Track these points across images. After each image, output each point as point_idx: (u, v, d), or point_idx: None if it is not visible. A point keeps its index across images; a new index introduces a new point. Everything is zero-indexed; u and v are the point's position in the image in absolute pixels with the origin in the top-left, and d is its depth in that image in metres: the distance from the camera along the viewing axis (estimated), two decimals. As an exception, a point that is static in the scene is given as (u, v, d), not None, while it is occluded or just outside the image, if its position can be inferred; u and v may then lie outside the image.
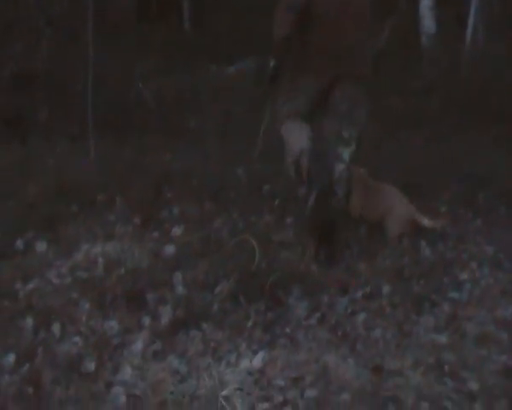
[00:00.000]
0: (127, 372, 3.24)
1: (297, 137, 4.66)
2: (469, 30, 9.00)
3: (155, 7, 11.40)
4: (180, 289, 3.82)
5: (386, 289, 4.15)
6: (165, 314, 3.63)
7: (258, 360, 3.37)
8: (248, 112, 7.14)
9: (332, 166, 4.61)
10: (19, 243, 4.31)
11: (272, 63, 4.55)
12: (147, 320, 3.58)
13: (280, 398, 3.12)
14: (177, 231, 4.53)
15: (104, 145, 5.60)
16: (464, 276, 4.39)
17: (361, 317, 3.87)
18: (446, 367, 3.36)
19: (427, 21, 9.28)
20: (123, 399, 3.07)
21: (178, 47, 9.39)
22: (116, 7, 10.57)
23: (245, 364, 3.34)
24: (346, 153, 4.65)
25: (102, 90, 6.09)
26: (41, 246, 4.18)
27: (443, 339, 3.63)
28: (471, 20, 9.02)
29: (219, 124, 6.62)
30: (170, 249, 4.22)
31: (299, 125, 4.66)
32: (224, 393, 3.09)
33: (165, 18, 10.70)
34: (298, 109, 4.64)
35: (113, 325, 3.49)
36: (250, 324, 3.68)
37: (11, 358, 3.25)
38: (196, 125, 6.61)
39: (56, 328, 3.43)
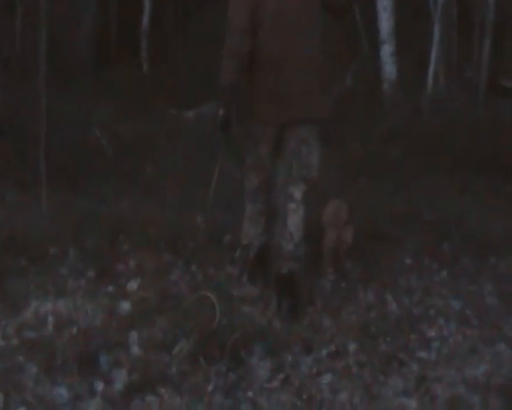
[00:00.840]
0: (77, 445, 3.00)
1: (251, 228, 4.71)
2: (430, 75, 9.00)
3: (114, 49, 11.23)
4: (136, 350, 3.59)
5: (352, 347, 3.99)
6: (120, 378, 3.39)
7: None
8: (207, 158, 6.98)
9: (284, 206, 4.58)
10: (-40, 301, 4.05)
11: (221, 111, 4.48)
12: (99, 385, 3.34)
13: None
14: (132, 285, 4.30)
15: (58, 194, 5.36)
16: (432, 333, 4.26)
17: (326, 378, 3.69)
18: (417, 435, 3.20)
19: (389, 67, 9.27)
20: None
21: (137, 90, 9.22)
22: (74, 51, 10.41)
23: (205, 433, 3.14)
24: (298, 193, 4.57)
25: (57, 137, 5.88)
26: (-15, 305, 3.93)
27: (412, 403, 3.47)
28: (432, 66, 9.03)
29: (177, 170, 6.45)
30: (125, 306, 3.99)
31: (256, 210, 4.69)
32: None
33: (124, 61, 10.56)
34: (260, 163, 4.61)
35: (62, 392, 3.24)
36: (210, 388, 3.47)
37: None
38: (153, 171, 6.42)
39: (-1, 397, 3.18)
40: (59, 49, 9.53)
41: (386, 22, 9.26)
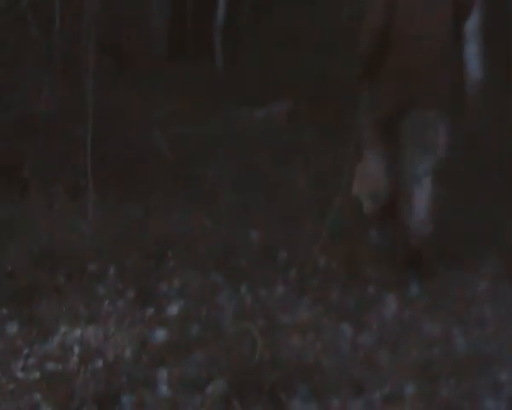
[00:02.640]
0: None
1: (379, 171, 4.88)
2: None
3: (189, 45, 10.97)
4: (163, 390, 3.27)
5: (409, 389, 3.56)
6: (142, 422, 3.10)
7: None
8: (272, 165, 6.62)
9: (413, 196, 4.75)
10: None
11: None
12: (119, 430, 3.05)
13: None
14: (173, 309, 3.99)
15: (107, 201, 5.11)
16: (504, 376, 3.76)
17: (378, 426, 3.30)
18: None
19: (473, 66, 8.66)
20: None
21: (208, 88, 8.92)
22: (147, 46, 10.22)
23: None
24: (427, 180, 4.75)
25: (113, 139, 5.65)
26: (12, 327, 3.67)
27: None
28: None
29: (239, 177, 6.09)
30: (160, 335, 3.67)
31: (377, 157, 4.87)
32: None
33: (199, 57, 10.29)
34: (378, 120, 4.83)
35: (76, 438, 2.96)
36: (244, 435, 3.13)
37: None
38: (213, 178, 6.08)
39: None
40: (130, 45, 9.39)
41: (470, 19, 8.62)
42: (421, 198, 4.76)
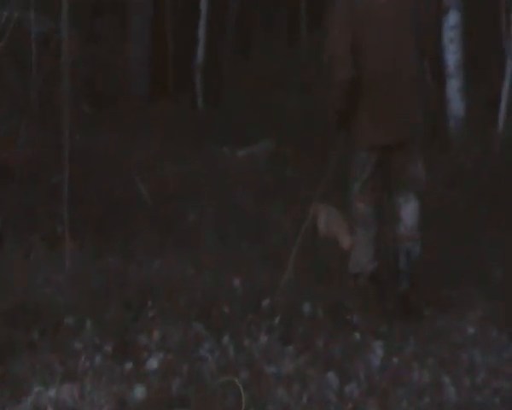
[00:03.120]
0: None
1: (363, 252, 4.94)
2: (502, 113, 8.32)
3: (171, 84, 10.89)
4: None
5: (399, 443, 3.43)
6: None
7: None
8: (255, 205, 6.51)
9: (400, 209, 4.91)
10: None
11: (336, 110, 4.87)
12: None
13: None
14: (153, 363, 3.84)
15: (84, 251, 4.96)
16: (496, 429, 3.64)
17: None
18: None
19: (456, 103, 8.62)
20: None
21: (189, 128, 8.82)
22: (126, 84, 10.13)
23: None
24: (408, 204, 4.91)
25: (90, 182, 5.52)
26: (-18, 389, 3.50)
27: None
28: (504, 102, 8.35)
29: (220, 218, 5.97)
30: (139, 393, 3.52)
31: (367, 236, 4.93)
32: None
33: (180, 96, 10.20)
34: (367, 189, 4.89)
35: None
36: None
37: None
38: (195, 220, 5.95)
39: None
40: (110, 86, 9.30)
41: (453, 55, 8.64)
42: (408, 209, 4.91)
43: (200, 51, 10.24)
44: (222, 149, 8.36)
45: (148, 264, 5.00)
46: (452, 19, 8.72)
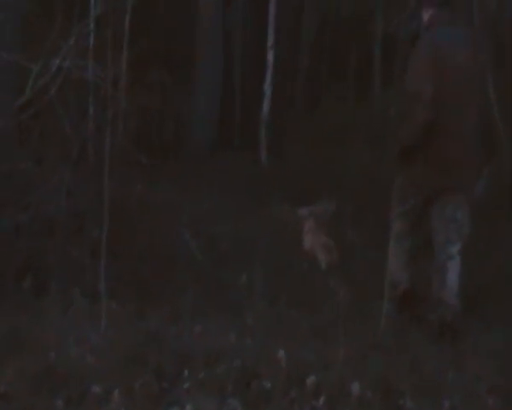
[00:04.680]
0: None
1: (399, 267, 5.16)
2: None
3: (237, 135, 10.74)
4: None
5: None
6: None
7: None
8: (312, 271, 6.18)
9: (444, 264, 5.03)
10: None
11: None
12: None
13: None
14: (183, 440, 3.55)
15: (125, 310, 4.73)
16: None
17: None
18: None
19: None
20: None
21: (250, 183, 8.59)
22: (191, 136, 10.04)
23: None
24: (456, 250, 5.02)
25: (137, 237, 5.30)
26: None
27: None
28: None
29: (272, 284, 5.66)
30: None
31: (403, 252, 5.15)
32: None
33: (245, 150, 10.03)
34: (407, 213, 5.08)
35: None
36: None
37: None
38: (246, 284, 5.64)
39: None
40: (171, 136, 9.21)
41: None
42: (454, 273, 5.02)
43: (266, 105, 10.05)
44: (282, 206, 8.08)
45: (189, 328, 4.73)
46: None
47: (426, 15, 5.08)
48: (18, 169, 5.38)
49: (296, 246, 6.79)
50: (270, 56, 10.00)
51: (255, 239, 6.76)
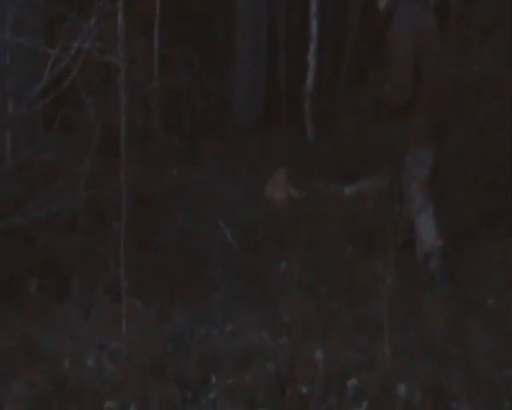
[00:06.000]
0: None
1: (428, 233, 5.25)
2: None
3: (283, 110, 10.26)
4: None
5: None
6: None
7: None
8: (357, 258, 5.69)
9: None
10: None
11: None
12: None
13: None
14: None
15: (149, 309, 4.38)
16: None
17: None
18: None
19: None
20: None
21: (293, 160, 8.12)
22: (231, 113, 9.64)
23: None
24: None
25: (165, 228, 4.93)
26: None
27: None
28: None
29: (315, 273, 5.23)
30: None
31: (430, 218, 5.26)
32: None
33: (290, 124, 9.58)
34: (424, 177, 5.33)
35: None
36: None
37: None
38: (283, 273, 5.22)
39: None
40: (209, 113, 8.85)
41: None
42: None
43: (310, 76, 9.55)
44: (328, 185, 7.61)
45: (220, 326, 4.36)
46: None
47: None
48: (40, 161, 5.09)
49: (340, 229, 6.31)
50: (314, 25, 9.50)
51: (297, 224, 6.33)
